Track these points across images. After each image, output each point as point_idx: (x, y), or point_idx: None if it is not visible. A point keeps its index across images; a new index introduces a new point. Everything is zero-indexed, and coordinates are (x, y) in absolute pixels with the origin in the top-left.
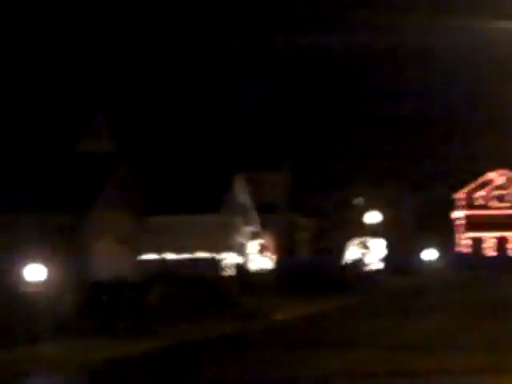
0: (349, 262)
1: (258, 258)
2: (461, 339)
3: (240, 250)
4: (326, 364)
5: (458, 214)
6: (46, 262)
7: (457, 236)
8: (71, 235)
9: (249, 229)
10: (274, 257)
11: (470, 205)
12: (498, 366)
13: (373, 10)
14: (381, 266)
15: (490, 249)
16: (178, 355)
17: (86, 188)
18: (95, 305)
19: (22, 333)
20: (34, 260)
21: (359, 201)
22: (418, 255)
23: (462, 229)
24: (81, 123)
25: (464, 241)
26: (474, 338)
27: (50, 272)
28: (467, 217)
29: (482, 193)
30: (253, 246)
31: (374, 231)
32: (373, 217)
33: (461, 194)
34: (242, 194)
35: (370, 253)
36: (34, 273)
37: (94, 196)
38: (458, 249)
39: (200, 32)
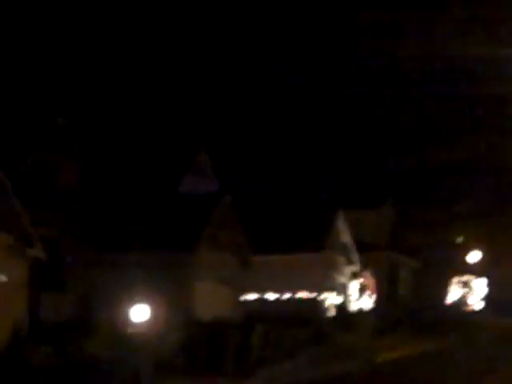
0: (451, 301)
1: (359, 297)
2: None
3: (341, 289)
4: None
5: None
6: (150, 302)
7: None
8: (175, 275)
9: (350, 268)
10: (375, 296)
11: None
12: None
13: None
14: (482, 305)
15: None
16: None
17: (189, 227)
18: (200, 345)
19: (129, 374)
20: (140, 300)
21: (460, 239)
22: None
23: None
24: (184, 161)
25: None
26: None
27: (154, 312)
28: None
29: None
30: (354, 286)
31: (475, 270)
32: (474, 256)
33: None
34: (343, 232)
35: (473, 292)
36: (140, 313)
37: (198, 235)
38: None
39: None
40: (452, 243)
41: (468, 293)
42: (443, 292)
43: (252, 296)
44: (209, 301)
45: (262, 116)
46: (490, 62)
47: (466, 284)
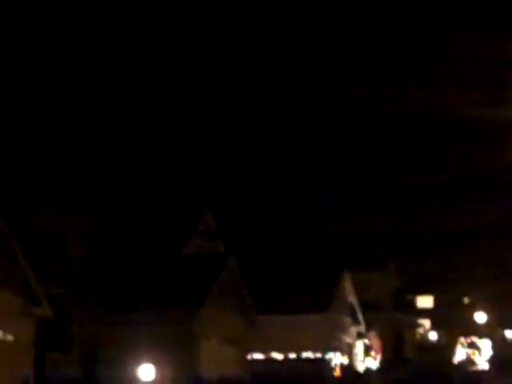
0: (458, 361)
1: (364, 358)
2: None
3: (347, 350)
4: None
5: None
6: (157, 361)
7: None
8: (181, 334)
9: (355, 328)
10: (379, 357)
11: None
12: None
13: None
14: (487, 366)
15: None
16: None
17: (195, 288)
18: None
19: None
20: (146, 359)
21: (467, 300)
22: None
23: None
24: (190, 222)
25: None
26: None
27: (160, 371)
28: None
29: None
30: (359, 346)
31: (481, 331)
32: (480, 316)
33: None
34: (348, 293)
35: (479, 353)
36: (146, 373)
37: (203, 296)
38: None
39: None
40: (459, 303)
41: (474, 353)
42: (450, 352)
43: (258, 355)
44: (215, 360)
45: (267, 178)
46: None
47: (472, 344)
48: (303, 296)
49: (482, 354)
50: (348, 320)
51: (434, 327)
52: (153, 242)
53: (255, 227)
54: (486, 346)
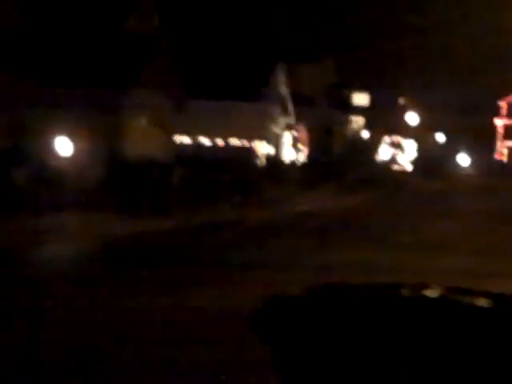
0: (381, 159)
1: (291, 149)
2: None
3: (274, 140)
4: (331, 256)
5: (498, 122)
6: (76, 137)
7: (498, 143)
8: (108, 113)
9: (284, 120)
10: (306, 150)
11: (509, 114)
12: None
13: None
14: (410, 167)
15: None
16: (188, 236)
17: (126, 68)
18: (120, 182)
19: (46, 202)
20: (65, 134)
21: (401, 101)
22: (453, 160)
23: (500, 137)
24: (130, 2)
25: (502, 149)
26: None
27: (79, 147)
28: (505, 126)
29: None
30: (287, 138)
31: (410, 132)
32: (411, 117)
33: (503, 102)
34: (280, 84)
35: (403, 153)
36: (64, 147)
37: (133, 76)
38: (496, 156)
39: None
40: (394, 103)
41: (398, 153)
42: (374, 150)
43: (185, 140)
44: (140, 141)
45: None
46: None
47: (396, 144)
48: (234, 84)
49: (405, 155)
50: (278, 110)
51: (366, 126)
52: (90, 18)
53: (192, 12)
54: (410, 146)
